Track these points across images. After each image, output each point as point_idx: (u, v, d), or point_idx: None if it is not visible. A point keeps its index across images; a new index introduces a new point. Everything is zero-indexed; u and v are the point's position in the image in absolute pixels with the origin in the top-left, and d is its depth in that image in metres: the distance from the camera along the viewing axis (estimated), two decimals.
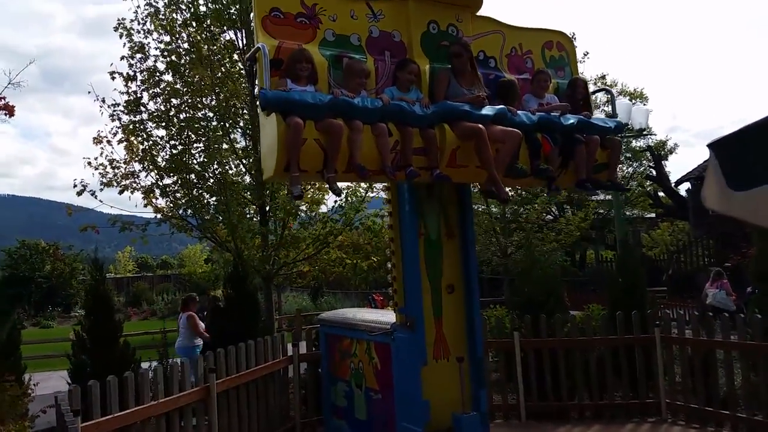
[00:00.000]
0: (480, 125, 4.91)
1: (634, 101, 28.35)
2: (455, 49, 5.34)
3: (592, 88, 6.20)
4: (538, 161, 5.31)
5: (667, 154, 29.17)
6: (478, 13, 5.81)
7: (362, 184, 10.65)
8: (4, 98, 6.74)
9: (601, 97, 22.05)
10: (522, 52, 6.12)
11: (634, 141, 27.49)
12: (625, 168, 29.53)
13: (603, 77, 28.19)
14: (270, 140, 4.55)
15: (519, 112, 5.28)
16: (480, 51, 5.82)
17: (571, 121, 5.52)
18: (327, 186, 4.89)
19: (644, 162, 28.36)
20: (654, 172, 25.41)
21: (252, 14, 5.17)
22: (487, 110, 5.09)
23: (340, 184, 5.31)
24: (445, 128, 4.97)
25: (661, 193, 26.17)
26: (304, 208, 10.99)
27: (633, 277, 8.64)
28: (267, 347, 7.09)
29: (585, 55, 21.45)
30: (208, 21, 10.47)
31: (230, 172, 10.57)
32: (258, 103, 4.78)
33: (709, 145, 2.96)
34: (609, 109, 20.76)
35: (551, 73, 6.06)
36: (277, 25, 4.86)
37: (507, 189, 5.29)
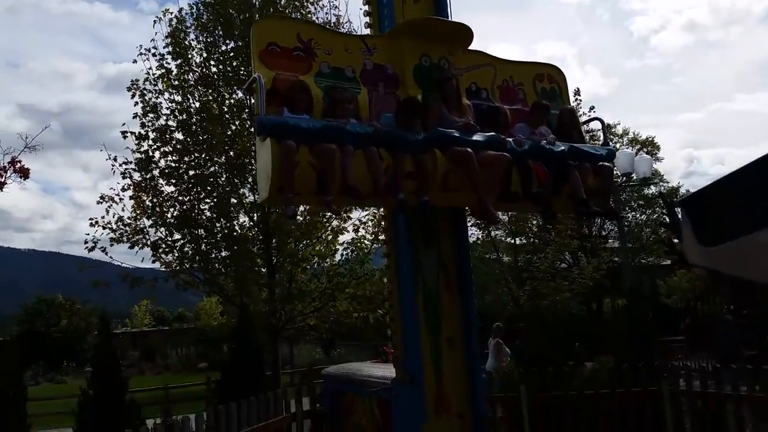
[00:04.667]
0: (468, 149, 5.01)
1: (645, 149, 28.47)
2: (445, 74, 5.53)
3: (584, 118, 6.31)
4: (530, 186, 5.36)
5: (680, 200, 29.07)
6: (469, 48, 5.98)
7: (367, 236, 10.77)
8: (20, 161, 6.96)
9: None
10: (513, 83, 6.25)
11: (645, 189, 27.46)
12: (638, 215, 29.43)
13: (613, 126, 28.48)
14: (265, 163, 4.70)
15: (509, 139, 5.36)
16: (472, 83, 5.97)
17: (562, 148, 5.59)
18: (326, 207, 5.10)
19: (657, 209, 28.25)
20: (667, 219, 25.27)
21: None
22: (478, 137, 5.19)
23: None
24: (436, 153, 5.05)
25: (676, 240, 25.93)
26: (316, 259, 11.11)
27: (641, 326, 8.54)
28: (270, 404, 7.03)
29: (591, 109, 21.76)
30: (219, 82, 10.86)
31: (237, 226, 10.74)
32: (254, 129, 4.98)
33: (679, 203, 3.02)
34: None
35: None
36: (274, 57, 5.09)
37: (501, 213, 5.31)
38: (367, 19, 6.06)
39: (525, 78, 6.32)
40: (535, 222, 23.95)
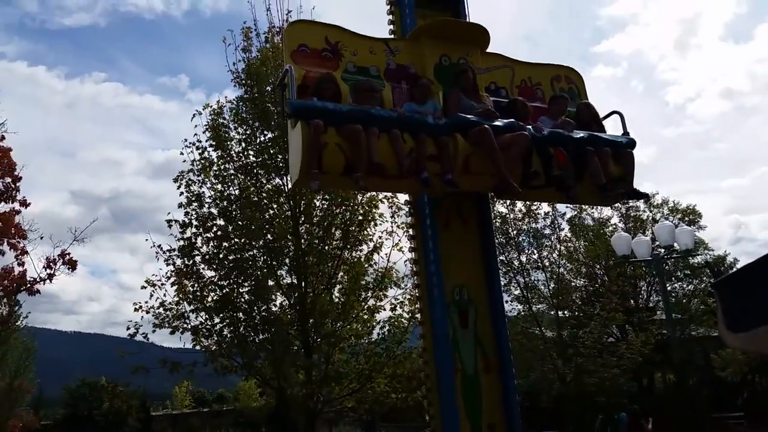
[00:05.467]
0: (486, 125, 5.20)
1: (686, 218, 27.90)
2: (460, 68, 5.82)
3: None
4: (551, 171, 5.47)
5: (727, 269, 28.10)
6: (487, 50, 6.25)
7: (404, 315, 10.75)
8: (68, 254, 7.31)
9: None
10: (531, 84, 6.48)
11: (691, 258, 26.69)
12: (684, 285, 28.53)
13: (652, 196, 28.11)
14: (296, 146, 5.03)
15: (528, 126, 5.49)
16: (491, 82, 6.22)
17: (581, 134, 5.74)
18: (356, 187, 5.60)
19: (704, 278, 27.35)
20: None
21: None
22: (498, 122, 5.37)
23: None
24: (457, 137, 5.25)
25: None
26: (353, 338, 11.07)
27: (693, 404, 8.17)
28: None
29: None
30: (257, 170, 11.29)
31: (275, 309, 10.86)
32: (285, 113, 5.29)
33: (712, 286, 3.00)
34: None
35: None
36: (304, 57, 5.53)
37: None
38: (391, 27, 6.45)
39: (543, 78, 6.56)
40: (578, 295, 23.50)
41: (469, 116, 5.40)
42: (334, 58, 5.67)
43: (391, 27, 6.52)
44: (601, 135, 5.96)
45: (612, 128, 6.38)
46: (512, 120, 5.50)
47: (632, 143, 6.14)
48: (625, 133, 6.23)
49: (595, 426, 12.80)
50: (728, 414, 18.14)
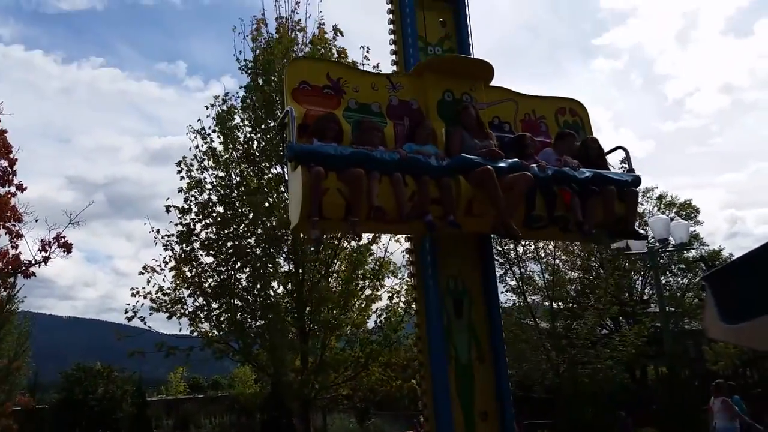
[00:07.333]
0: (489, 166, 5.07)
1: (683, 212, 28.03)
2: (462, 105, 5.74)
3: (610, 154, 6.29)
4: (554, 211, 5.38)
5: (721, 264, 28.26)
6: (491, 84, 6.17)
7: (401, 304, 10.81)
8: (63, 237, 7.33)
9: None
10: (536, 117, 6.38)
11: (686, 252, 26.86)
12: (679, 279, 28.72)
13: (650, 190, 28.25)
14: (296, 191, 4.91)
15: (532, 165, 5.38)
16: (494, 117, 6.14)
17: (587, 174, 5.59)
18: (350, 232, 5.24)
19: (699, 273, 27.52)
20: None
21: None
22: (501, 163, 5.25)
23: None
24: (460, 179, 5.15)
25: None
26: (349, 327, 11.14)
27: (683, 396, 8.27)
28: None
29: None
30: (261, 157, 11.29)
31: (272, 296, 10.91)
32: (285, 156, 5.20)
33: (704, 278, 3.04)
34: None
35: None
36: (305, 95, 5.41)
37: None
38: (394, 57, 6.37)
39: (547, 111, 6.46)
40: (572, 287, 23.61)
41: (472, 156, 5.27)
42: (336, 96, 5.55)
43: (391, 27, 6.44)
44: (606, 174, 5.80)
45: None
46: (516, 160, 5.37)
47: (637, 181, 5.99)
48: (631, 169, 6.16)
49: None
50: None
